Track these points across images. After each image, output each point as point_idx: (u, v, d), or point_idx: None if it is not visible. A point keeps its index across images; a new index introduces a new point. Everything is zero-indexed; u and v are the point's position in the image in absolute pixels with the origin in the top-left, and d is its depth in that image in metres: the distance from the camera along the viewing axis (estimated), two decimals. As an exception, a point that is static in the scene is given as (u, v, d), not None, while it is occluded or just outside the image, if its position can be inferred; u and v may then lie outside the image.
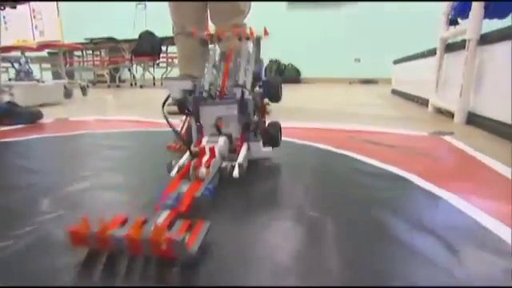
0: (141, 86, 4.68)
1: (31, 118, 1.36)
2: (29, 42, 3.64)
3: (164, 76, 4.86)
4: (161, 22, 5.47)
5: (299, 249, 0.41)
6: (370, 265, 0.38)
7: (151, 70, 5.00)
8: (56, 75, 4.77)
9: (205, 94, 0.68)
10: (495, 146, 0.96)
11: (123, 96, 3.36)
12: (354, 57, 5.83)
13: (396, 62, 3.33)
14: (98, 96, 3.14)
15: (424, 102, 1.91)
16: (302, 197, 0.56)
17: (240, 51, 0.72)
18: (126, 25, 5.93)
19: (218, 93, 0.68)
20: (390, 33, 5.34)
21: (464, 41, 1.33)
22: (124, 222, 0.40)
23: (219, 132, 0.65)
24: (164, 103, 0.69)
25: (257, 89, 0.73)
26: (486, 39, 1.23)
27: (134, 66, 5.03)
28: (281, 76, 5.65)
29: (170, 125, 0.62)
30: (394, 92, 3.19)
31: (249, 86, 0.68)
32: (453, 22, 1.64)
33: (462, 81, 1.30)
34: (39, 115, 1.39)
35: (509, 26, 1.10)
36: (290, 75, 5.62)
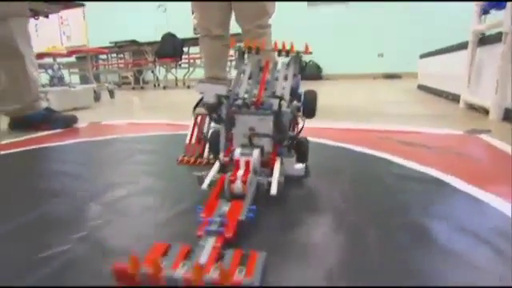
0: (164, 87, 4.78)
1: (67, 122, 1.42)
2: (57, 48, 3.78)
3: (187, 76, 4.94)
4: (181, 23, 5.57)
5: (345, 255, 0.41)
6: (413, 268, 0.37)
7: (173, 71, 5.09)
8: (83, 79, 4.96)
9: (239, 102, 0.64)
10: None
11: (148, 97, 3.45)
12: (377, 51, 5.70)
13: (422, 56, 3.23)
14: (124, 98, 3.23)
15: (454, 98, 1.84)
16: (341, 202, 0.56)
17: (277, 63, 0.71)
18: (147, 28, 6.08)
19: (253, 102, 0.65)
20: (414, 26, 5.19)
21: (499, 33, 1.28)
22: (166, 252, 0.37)
23: (251, 143, 0.61)
24: (196, 106, 0.70)
25: (294, 102, 0.69)
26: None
27: (157, 67, 5.14)
28: (302, 73, 5.59)
29: (201, 132, 0.60)
30: (421, 87, 3.10)
31: (287, 98, 0.65)
32: (485, 12, 1.58)
33: (498, 76, 1.24)
34: (74, 120, 1.45)
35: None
36: (310, 72, 5.57)
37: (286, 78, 0.69)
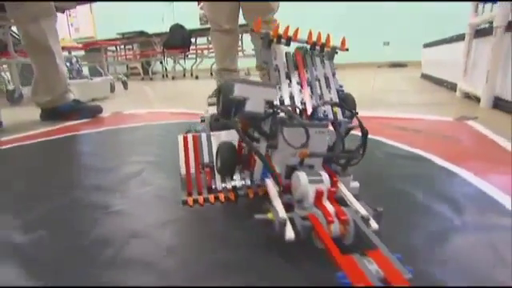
0: (172, 78, 4.90)
1: (93, 112, 1.57)
2: (66, 40, 3.90)
3: (195, 66, 5.05)
4: (188, 14, 5.63)
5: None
6: (396, 217, 0.51)
7: (182, 61, 5.20)
8: (92, 70, 5.09)
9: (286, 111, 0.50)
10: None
11: (159, 88, 3.58)
12: (382, 40, 5.73)
13: (426, 45, 3.30)
14: (136, 89, 3.36)
15: (453, 87, 1.94)
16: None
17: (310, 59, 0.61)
18: (154, 19, 6.16)
19: (302, 111, 0.53)
20: (421, 15, 5.21)
21: (492, 26, 1.38)
22: None
23: (301, 163, 0.48)
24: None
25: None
26: (513, 26, 1.27)
27: (165, 58, 5.24)
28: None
29: (250, 145, 0.48)
30: (424, 76, 3.18)
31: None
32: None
33: (489, 66, 1.35)
34: (100, 110, 1.59)
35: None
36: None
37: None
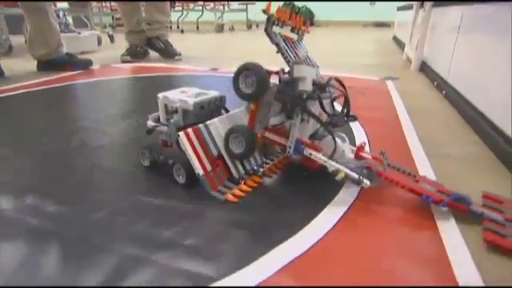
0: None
1: (85, 65, 1.80)
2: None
3: (181, 19, 5.09)
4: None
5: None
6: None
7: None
8: (76, 22, 5.08)
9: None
10: (422, 91, 1.33)
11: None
12: (369, -2, 5.79)
13: (399, 8, 3.46)
14: (123, 42, 3.49)
15: (405, 51, 2.20)
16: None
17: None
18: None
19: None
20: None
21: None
22: None
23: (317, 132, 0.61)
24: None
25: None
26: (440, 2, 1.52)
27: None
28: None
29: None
30: (394, 38, 3.40)
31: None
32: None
33: (418, 36, 1.61)
34: (90, 63, 1.82)
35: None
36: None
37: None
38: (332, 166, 0.54)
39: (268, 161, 0.67)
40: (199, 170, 0.57)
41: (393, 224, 0.50)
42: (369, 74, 1.56)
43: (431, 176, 0.63)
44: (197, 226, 0.49)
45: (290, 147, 0.58)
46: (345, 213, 0.52)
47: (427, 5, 1.55)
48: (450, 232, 0.47)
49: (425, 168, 0.67)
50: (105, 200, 0.57)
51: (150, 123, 0.66)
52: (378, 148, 0.70)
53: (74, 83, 1.53)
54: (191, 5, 5.13)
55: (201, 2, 5.02)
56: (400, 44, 2.86)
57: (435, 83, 1.34)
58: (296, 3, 5.80)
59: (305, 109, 0.55)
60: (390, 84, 1.36)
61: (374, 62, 2.03)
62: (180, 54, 2.16)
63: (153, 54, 2.22)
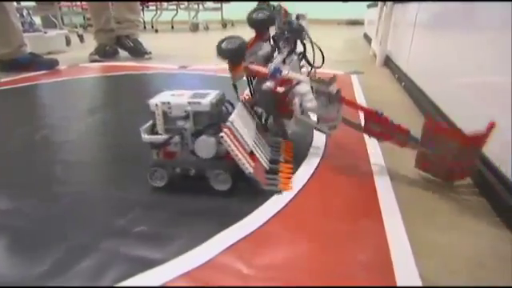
0: (132, 31, 4.87)
1: (50, 65, 1.75)
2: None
3: (155, 19, 5.02)
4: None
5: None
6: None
7: (141, 13, 5.13)
8: (45, 21, 4.92)
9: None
10: (383, 84, 1.38)
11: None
12: (342, -3, 5.91)
13: (369, 6, 3.56)
14: (93, 42, 3.42)
15: (372, 47, 2.27)
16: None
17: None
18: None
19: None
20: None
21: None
22: None
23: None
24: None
25: None
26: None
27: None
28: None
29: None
30: (364, 36, 3.49)
31: None
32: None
33: (382, 32, 1.68)
34: (56, 63, 1.77)
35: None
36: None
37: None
38: (296, 78, 0.66)
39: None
40: (248, 169, 0.54)
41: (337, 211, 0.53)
42: (336, 69, 1.60)
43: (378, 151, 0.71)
44: (149, 214, 0.51)
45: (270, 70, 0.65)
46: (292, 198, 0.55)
47: (389, 2, 1.61)
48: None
49: (376, 150, 0.72)
50: (63, 192, 0.58)
51: (149, 137, 0.57)
52: (337, 141, 0.74)
53: (38, 83, 1.49)
54: (165, 4, 5.07)
55: (174, 2, 4.97)
56: (369, 40, 2.95)
57: (396, 76, 1.40)
58: (271, 3, 5.87)
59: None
60: (354, 78, 1.41)
61: (342, 58, 2.08)
62: (150, 53, 2.14)
63: (122, 53, 2.19)
